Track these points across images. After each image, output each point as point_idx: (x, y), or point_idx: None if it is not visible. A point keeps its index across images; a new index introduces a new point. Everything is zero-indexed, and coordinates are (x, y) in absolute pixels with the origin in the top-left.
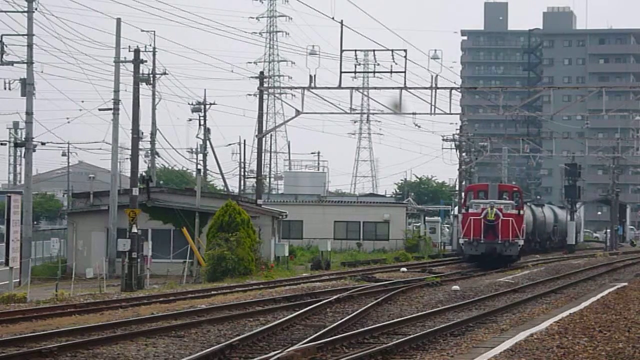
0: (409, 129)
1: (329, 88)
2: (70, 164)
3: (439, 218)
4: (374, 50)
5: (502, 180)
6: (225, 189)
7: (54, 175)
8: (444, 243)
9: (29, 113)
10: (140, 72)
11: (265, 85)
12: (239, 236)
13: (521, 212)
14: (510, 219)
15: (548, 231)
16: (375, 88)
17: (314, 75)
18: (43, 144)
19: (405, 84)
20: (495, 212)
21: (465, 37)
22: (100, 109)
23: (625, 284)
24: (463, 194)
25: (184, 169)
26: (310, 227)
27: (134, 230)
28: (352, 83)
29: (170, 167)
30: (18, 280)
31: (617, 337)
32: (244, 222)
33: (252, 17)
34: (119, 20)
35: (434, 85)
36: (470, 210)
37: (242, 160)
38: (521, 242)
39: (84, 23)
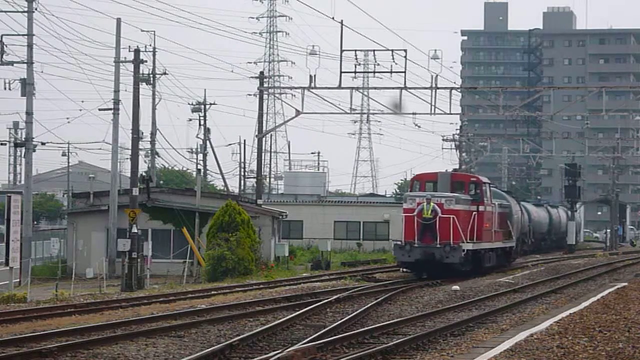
0: (409, 129)
1: (329, 88)
2: (70, 164)
3: None
4: (374, 50)
5: (502, 180)
6: (225, 189)
7: (54, 175)
8: None
9: (29, 113)
10: (140, 72)
11: (265, 85)
12: (239, 236)
13: (481, 208)
14: (451, 216)
15: (523, 232)
16: (375, 88)
17: (314, 75)
18: (43, 144)
19: (405, 84)
20: (433, 207)
21: (465, 37)
22: (100, 109)
23: (625, 284)
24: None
25: (184, 169)
26: (310, 227)
27: (134, 230)
28: (352, 83)
29: (170, 167)
30: (18, 280)
31: (617, 337)
32: (244, 222)
33: (252, 17)
34: (119, 20)
35: (434, 85)
36: (405, 206)
37: (242, 160)
38: (468, 246)
39: (84, 23)
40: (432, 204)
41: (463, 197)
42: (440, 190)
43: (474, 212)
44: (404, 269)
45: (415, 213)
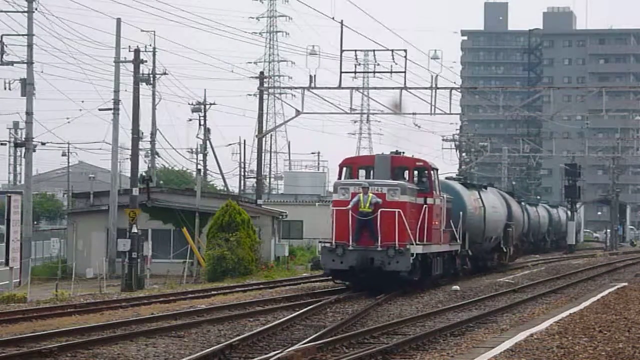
0: (409, 129)
1: (329, 88)
2: (70, 164)
3: None
4: (374, 50)
5: (502, 181)
6: (225, 189)
7: (54, 175)
8: None
9: (29, 113)
10: (140, 72)
11: (265, 85)
12: (239, 236)
13: (430, 200)
14: (397, 210)
15: (494, 235)
16: (375, 88)
17: (314, 75)
18: (43, 144)
19: (405, 84)
20: (372, 199)
21: (465, 37)
22: (100, 109)
23: (625, 284)
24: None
25: (184, 169)
26: (310, 227)
27: (134, 230)
28: (352, 83)
29: (170, 167)
30: (18, 280)
31: (617, 337)
32: (244, 222)
33: (252, 17)
34: (119, 20)
35: (434, 86)
36: (335, 197)
37: (242, 160)
38: (418, 250)
39: (84, 23)
40: (371, 194)
41: (410, 187)
42: (377, 178)
43: (423, 206)
44: (336, 280)
45: (349, 206)
